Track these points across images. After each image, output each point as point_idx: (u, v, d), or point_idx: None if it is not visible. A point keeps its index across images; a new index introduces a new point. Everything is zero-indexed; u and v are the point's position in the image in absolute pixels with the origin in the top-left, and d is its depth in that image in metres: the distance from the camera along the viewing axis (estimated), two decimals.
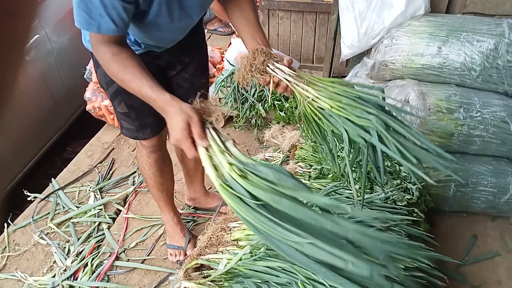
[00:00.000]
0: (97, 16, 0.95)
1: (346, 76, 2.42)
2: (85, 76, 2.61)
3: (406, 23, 1.94)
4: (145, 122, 1.39)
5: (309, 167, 1.82)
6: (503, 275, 1.67)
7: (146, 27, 1.13)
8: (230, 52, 2.68)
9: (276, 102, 2.34)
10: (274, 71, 1.02)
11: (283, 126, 2.23)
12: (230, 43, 2.84)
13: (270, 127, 2.26)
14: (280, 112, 2.29)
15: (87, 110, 2.56)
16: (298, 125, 2.23)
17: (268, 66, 1.03)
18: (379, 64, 1.96)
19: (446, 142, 1.72)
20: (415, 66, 1.86)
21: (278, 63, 1.03)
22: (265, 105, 2.35)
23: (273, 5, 2.68)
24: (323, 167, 1.75)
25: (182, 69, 1.44)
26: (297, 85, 1.01)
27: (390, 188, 1.55)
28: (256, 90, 2.39)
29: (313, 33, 2.73)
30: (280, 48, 2.81)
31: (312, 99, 1.00)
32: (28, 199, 2.10)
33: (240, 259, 1.27)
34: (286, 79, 1.02)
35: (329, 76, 2.41)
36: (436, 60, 1.80)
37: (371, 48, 2.07)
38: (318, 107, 1.00)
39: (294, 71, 1.04)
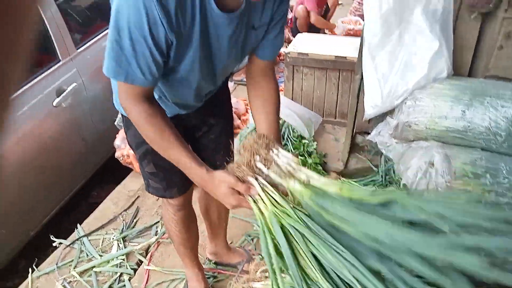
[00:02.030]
0: (126, 65, 0.95)
1: (369, 133, 2.45)
2: (116, 123, 2.72)
3: (429, 85, 1.99)
4: (172, 181, 1.41)
5: None
6: None
7: (174, 84, 1.15)
8: None
9: (300, 157, 2.38)
10: (277, 156, 1.01)
11: None
12: None
13: None
14: None
15: (115, 157, 2.65)
16: None
17: (272, 150, 1.02)
18: (403, 125, 1.99)
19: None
20: (439, 128, 1.88)
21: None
22: None
23: (297, 61, 2.78)
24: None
25: (208, 131, 1.47)
26: (300, 172, 0.99)
27: None
28: None
29: (336, 89, 2.81)
30: (303, 103, 2.89)
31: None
32: (54, 244, 2.14)
33: None
34: (288, 165, 0.99)
35: (352, 132, 2.44)
36: (460, 124, 1.82)
37: (395, 108, 2.12)
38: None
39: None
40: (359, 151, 2.56)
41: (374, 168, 2.37)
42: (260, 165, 1.00)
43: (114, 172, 2.85)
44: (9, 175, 2.03)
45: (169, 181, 1.41)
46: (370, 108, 2.13)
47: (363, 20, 4.39)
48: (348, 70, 2.69)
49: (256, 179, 0.98)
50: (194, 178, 1.01)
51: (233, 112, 1.63)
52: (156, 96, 1.17)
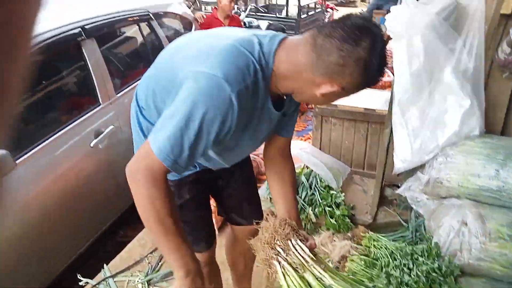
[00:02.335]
0: (178, 154, 0.93)
1: (398, 186, 2.42)
2: None
3: (461, 142, 1.98)
4: (199, 236, 1.43)
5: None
6: None
7: (210, 156, 1.20)
8: None
9: (327, 208, 2.36)
10: (295, 247, 1.03)
11: (333, 234, 2.22)
12: None
13: (319, 234, 2.26)
14: (330, 219, 2.31)
15: None
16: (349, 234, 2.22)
17: (291, 241, 1.04)
18: (434, 181, 1.97)
19: (509, 272, 1.64)
20: (471, 186, 1.85)
21: (301, 241, 1.05)
22: (316, 210, 2.37)
23: (326, 112, 2.84)
24: (375, 286, 1.70)
25: (229, 179, 1.49)
26: (314, 267, 1.02)
27: None
28: (307, 194, 2.44)
29: (364, 140, 2.82)
30: (331, 152, 2.90)
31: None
32: (80, 283, 2.16)
33: None
34: (303, 259, 1.02)
35: (381, 185, 2.42)
36: (494, 183, 1.79)
37: (425, 163, 2.10)
38: None
39: (314, 255, 1.06)
40: (388, 204, 2.52)
41: (404, 223, 2.32)
42: (279, 249, 1.03)
43: None
44: (43, 212, 2.10)
45: (196, 237, 1.42)
46: (400, 162, 2.13)
47: (391, 72, 4.46)
48: (377, 122, 2.71)
49: (278, 261, 1.00)
50: (185, 265, 1.00)
51: (252, 165, 1.65)
52: None
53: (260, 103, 1.03)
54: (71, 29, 2.33)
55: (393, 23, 1.85)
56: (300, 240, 1.05)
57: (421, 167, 2.16)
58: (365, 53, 0.89)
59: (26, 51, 0.23)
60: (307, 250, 1.03)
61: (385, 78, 4.60)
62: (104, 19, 2.63)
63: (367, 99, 2.92)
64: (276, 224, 1.06)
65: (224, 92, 0.90)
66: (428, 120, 2.05)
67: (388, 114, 2.13)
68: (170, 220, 0.97)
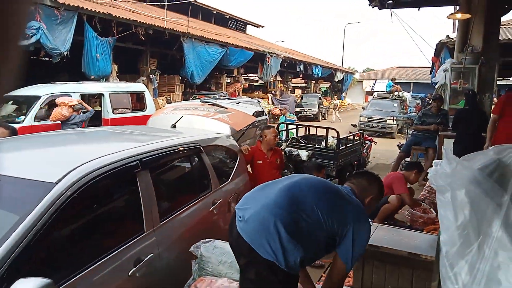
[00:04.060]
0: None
1: None
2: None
3: None
4: None
5: None
6: None
7: None
8: None
9: None
10: None
11: None
12: None
13: None
14: None
15: None
16: None
17: None
18: None
19: None
20: None
21: None
22: None
23: (368, 253, 2.74)
24: None
25: None
26: None
27: None
28: None
29: (410, 287, 2.66)
30: None
31: None
32: None
33: None
34: None
35: None
36: None
37: None
38: None
39: None
40: None
41: None
42: None
43: None
44: None
45: None
46: None
47: (433, 208, 4.38)
48: (422, 269, 2.58)
49: None
50: None
51: None
52: None
53: None
54: (130, 162, 2.55)
55: (435, 176, 1.90)
56: None
57: None
58: None
59: (17, 47, 0.25)
60: None
61: (427, 215, 4.50)
62: (159, 153, 2.87)
63: (412, 241, 2.83)
64: None
65: None
66: (479, 276, 1.94)
67: (435, 266, 2.04)
68: None
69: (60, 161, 2.51)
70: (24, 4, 0.24)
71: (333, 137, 6.68)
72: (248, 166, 4.35)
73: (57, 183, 2.10)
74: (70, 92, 8.02)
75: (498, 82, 17.14)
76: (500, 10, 7.60)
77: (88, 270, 2.19)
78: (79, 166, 2.26)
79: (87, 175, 2.24)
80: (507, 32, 11.57)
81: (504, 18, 9.04)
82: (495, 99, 9.06)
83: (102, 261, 2.28)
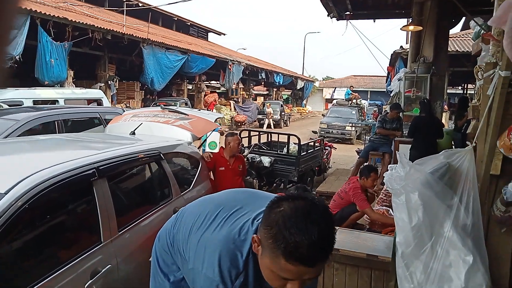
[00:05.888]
0: None
1: None
2: None
3: None
4: None
5: None
6: None
7: None
8: None
9: None
10: None
11: None
12: None
13: None
14: None
15: None
16: None
17: None
18: None
19: None
20: None
21: None
22: None
23: None
24: None
25: None
26: None
27: None
28: None
29: (369, 287, 2.73)
30: None
31: None
32: None
33: None
34: None
35: None
36: None
37: None
38: None
39: None
40: None
41: None
42: None
43: None
44: None
45: None
46: None
47: (391, 209, 4.52)
48: (380, 269, 2.66)
49: None
50: None
51: None
52: None
53: None
54: (86, 170, 2.46)
55: (391, 180, 1.97)
56: None
57: None
58: None
59: (5, 44, 0.24)
60: None
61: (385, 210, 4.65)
62: (117, 160, 2.79)
63: (369, 243, 2.91)
64: None
65: None
66: (433, 275, 2.03)
67: (392, 266, 2.11)
68: None
69: (9, 170, 2.38)
70: (12, 5, 0.24)
71: (295, 143, 6.78)
72: (211, 173, 4.32)
73: (6, 194, 1.99)
74: (21, 98, 7.63)
75: (448, 91, 18.16)
76: (448, 23, 8.08)
77: (41, 283, 2.08)
78: (30, 176, 2.15)
79: (39, 184, 2.14)
80: (455, 44, 12.32)
81: (452, 31, 9.62)
82: (445, 106, 9.55)
83: (56, 273, 2.18)
